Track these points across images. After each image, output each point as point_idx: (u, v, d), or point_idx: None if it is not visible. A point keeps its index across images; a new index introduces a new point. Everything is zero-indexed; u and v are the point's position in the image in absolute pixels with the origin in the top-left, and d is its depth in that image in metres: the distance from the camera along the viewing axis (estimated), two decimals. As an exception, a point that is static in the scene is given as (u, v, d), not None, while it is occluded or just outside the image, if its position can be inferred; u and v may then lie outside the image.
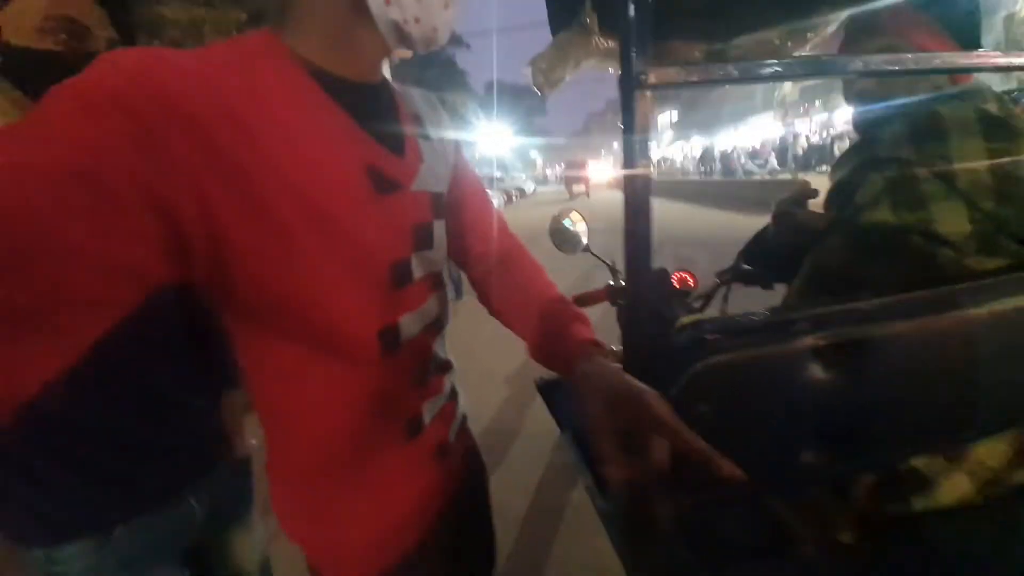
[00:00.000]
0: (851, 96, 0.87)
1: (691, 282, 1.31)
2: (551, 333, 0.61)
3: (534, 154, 61.78)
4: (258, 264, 0.44)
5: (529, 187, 30.64)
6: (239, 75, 0.43)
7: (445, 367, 0.67)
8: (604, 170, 28.68)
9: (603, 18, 0.92)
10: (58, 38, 0.66)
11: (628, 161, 0.47)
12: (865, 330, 0.57)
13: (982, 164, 0.68)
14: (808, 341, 0.55)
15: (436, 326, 0.64)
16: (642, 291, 0.56)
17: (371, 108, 0.53)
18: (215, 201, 0.40)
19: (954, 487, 0.69)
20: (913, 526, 0.71)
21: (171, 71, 0.38)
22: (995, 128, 0.70)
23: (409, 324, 0.58)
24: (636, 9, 0.46)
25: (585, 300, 1.26)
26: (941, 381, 0.61)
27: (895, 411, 0.60)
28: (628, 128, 0.47)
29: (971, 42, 0.77)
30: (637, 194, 0.47)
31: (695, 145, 34.43)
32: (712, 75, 0.50)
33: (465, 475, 0.72)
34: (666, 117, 44.92)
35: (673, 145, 42.68)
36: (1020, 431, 0.69)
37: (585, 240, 1.33)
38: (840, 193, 0.82)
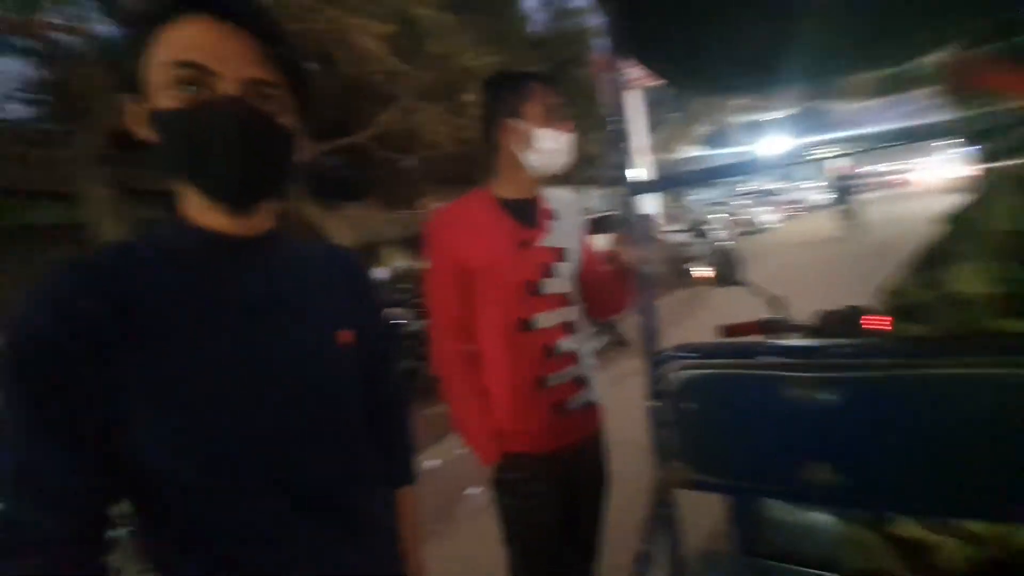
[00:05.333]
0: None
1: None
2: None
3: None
4: (476, 275, 1.12)
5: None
6: (467, 207, 1.16)
7: (573, 356, 1.15)
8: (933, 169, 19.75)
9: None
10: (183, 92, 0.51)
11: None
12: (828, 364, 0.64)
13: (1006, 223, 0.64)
14: (777, 366, 0.67)
15: (568, 327, 1.15)
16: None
17: (521, 210, 1.14)
18: (463, 256, 1.12)
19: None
20: None
21: (438, 220, 1.17)
22: None
23: (541, 319, 1.12)
24: None
25: (735, 330, 1.31)
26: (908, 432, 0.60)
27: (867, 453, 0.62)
28: None
29: None
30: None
31: None
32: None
33: (583, 439, 1.19)
34: None
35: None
36: None
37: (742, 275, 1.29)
38: None
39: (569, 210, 1.22)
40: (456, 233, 1.13)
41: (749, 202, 18.13)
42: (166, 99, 0.52)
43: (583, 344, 1.19)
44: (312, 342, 0.60)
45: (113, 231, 6.36)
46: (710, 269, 1.30)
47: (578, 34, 12.72)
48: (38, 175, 7.01)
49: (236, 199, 0.55)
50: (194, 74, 0.51)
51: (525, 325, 1.11)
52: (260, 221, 0.59)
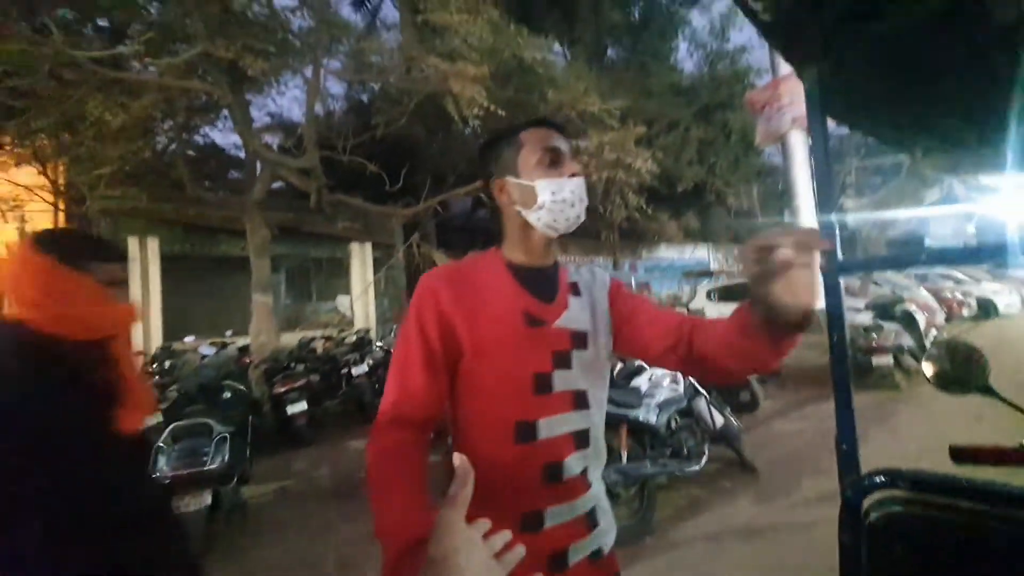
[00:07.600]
0: None
1: None
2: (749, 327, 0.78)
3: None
4: (466, 359, 0.88)
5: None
6: (473, 268, 0.96)
7: (583, 483, 0.89)
8: None
9: None
10: None
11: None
12: None
13: None
14: None
15: (580, 438, 0.90)
16: None
17: (535, 279, 0.96)
18: (457, 326, 0.88)
19: None
20: None
21: (434, 278, 0.92)
22: None
23: (546, 425, 0.87)
24: None
25: (970, 455, 0.93)
26: None
27: None
28: None
29: None
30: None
31: None
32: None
33: None
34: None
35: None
36: None
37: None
38: None
39: (593, 285, 1.02)
40: (455, 296, 0.90)
41: (971, 277, 12.41)
42: None
43: (595, 463, 0.93)
44: None
45: (263, 265, 7.10)
46: (930, 366, 0.99)
47: (731, 76, 11.97)
48: (220, 215, 8.30)
49: None
50: None
51: (525, 433, 0.85)
52: None
